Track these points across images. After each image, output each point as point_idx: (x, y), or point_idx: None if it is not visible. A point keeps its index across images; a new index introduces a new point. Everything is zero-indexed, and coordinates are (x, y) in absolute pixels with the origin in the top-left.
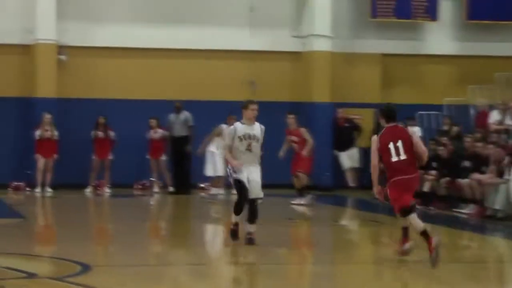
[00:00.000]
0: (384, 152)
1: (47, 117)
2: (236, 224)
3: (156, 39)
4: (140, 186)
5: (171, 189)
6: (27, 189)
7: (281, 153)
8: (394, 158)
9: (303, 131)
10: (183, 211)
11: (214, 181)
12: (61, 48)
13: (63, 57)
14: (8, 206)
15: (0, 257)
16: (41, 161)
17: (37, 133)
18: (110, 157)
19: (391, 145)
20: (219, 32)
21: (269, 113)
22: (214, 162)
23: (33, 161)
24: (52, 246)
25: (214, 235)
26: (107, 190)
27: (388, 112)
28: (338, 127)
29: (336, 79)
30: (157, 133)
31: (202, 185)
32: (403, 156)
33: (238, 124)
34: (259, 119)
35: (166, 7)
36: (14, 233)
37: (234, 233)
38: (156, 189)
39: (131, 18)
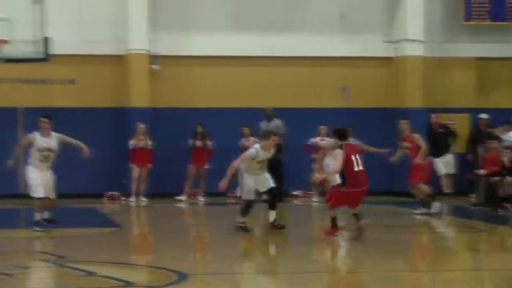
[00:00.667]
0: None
1: (141, 126)
2: (245, 222)
3: (248, 47)
4: (233, 195)
5: (264, 197)
6: (122, 198)
7: (394, 158)
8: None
9: (416, 137)
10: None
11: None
12: (154, 58)
13: (155, 66)
14: (104, 215)
15: (98, 266)
16: (135, 171)
17: (132, 142)
18: (207, 166)
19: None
20: (310, 39)
21: (362, 119)
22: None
23: (127, 170)
24: (148, 255)
25: (312, 242)
26: (201, 199)
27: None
28: (432, 133)
29: (429, 84)
30: (250, 140)
31: (295, 193)
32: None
33: (259, 150)
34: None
35: (258, 15)
36: (110, 242)
37: (245, 229)
38: None
39: (222, 26)
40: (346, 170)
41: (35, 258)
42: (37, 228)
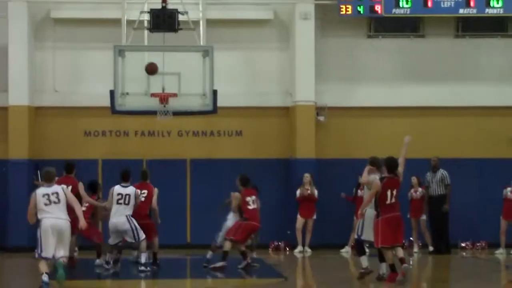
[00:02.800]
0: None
1: (307, 175)
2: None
3: (413, 98)
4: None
5: (431, 248)
6: (287, 249)
7: None
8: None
9: None
10: (445, 272)
11: None
12: (320, 109)
13: (321, 118)
14: (269, 266)
15: None
16: (300, 221)
17: (298, 192)
18: None
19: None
20: (479, 88)
21: None
22: None
23: (293, 221)
24: None
25: None
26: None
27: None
28: None
29: None
30: (418, 192)
31: (463, 244)
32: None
33: None
34: None
35: (424, 65)
36: None
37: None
38: (416, 249)
39: (387, 77)
40: None
41: None
42: None
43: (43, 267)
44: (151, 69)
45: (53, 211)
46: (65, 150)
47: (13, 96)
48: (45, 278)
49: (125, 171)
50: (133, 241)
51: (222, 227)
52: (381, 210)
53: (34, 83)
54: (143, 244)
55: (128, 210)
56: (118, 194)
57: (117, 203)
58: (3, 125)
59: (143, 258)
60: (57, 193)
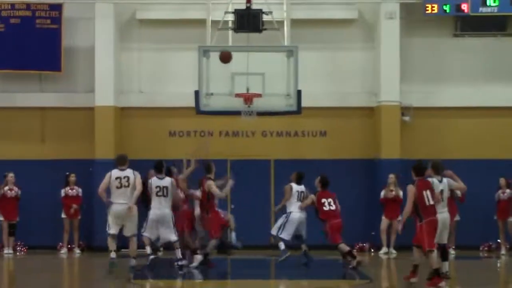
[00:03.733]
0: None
1: (391, 176)
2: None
3: (499, 98)
4: (486, 248)
5: None
6: (372, 250)
7: None
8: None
9: None
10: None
11: None
12: (405, 109)
13: (406, 118)
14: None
15: None
16: (385, 222)
17: (382, 193)
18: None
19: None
20: None
21: None
22: None
23: (377, 222)
24: None
25: None
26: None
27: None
28: None
29: None
30: (506, 193)
31: None
32: None
33: None
34: None
35: (511, 65)
36: None
37: None
38: (503, 251)
39: (473, 77)
40: None
41: None
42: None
43: (112, 245)
44: (224, 57)
45: (121, 195)
46: (150, 150)
47: (99, 96)
48: (113, 255)
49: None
50: (171, 237)
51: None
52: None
53: (120, 83)
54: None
55: (168, 202)
56: (156, 186)
57: (157, 195)
58: (89, 125)
59: (179, 254)
60: (128, 177)
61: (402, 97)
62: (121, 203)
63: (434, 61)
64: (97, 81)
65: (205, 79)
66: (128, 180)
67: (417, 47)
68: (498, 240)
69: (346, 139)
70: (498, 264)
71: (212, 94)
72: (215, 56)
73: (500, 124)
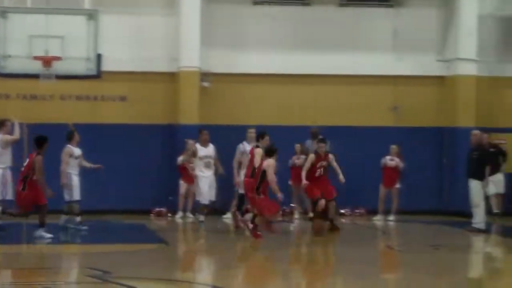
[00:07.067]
0: None
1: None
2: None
3: (299, 65)
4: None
5: (311, 214)
6: (169, 215)
7: None
8: None
9: None
10: (323, 236)
11: None
12: (204, 75)
13: (205, 84)
14: (151, 231)
15: (144, 282)
16: (183, 187)
17: (180, 159)
18: None
19: None
20: (362, 58)
21: (414, 138)
22: None
23: (175, 186)
24: (192, 272)
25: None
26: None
27: None
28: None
29: (481, 104)
30: (300, 159)
31: (342, 211)
32: None
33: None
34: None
35: (309, 34)
36: (156, 258)
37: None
38: (296, 215)
39: (273, 44)
40: None
41: (81, 274)
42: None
43: None
44: (317, 230)
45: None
46: None
47: None
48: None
49: None
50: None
51: None
52: None
53: None
54: None
55: None
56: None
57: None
58: None
59: None
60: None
61: (203, 63)
62: None
63: (235, 28)
64: None
65: (2, 40)
66: None
67: (218, 14)
68: (292, 205)
69: (146, 105)
70: (292, 228)
71: (10, 56)
72: (12, 17)
73: (297, 91)
